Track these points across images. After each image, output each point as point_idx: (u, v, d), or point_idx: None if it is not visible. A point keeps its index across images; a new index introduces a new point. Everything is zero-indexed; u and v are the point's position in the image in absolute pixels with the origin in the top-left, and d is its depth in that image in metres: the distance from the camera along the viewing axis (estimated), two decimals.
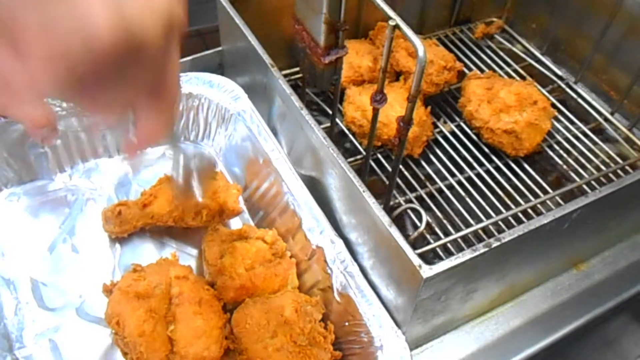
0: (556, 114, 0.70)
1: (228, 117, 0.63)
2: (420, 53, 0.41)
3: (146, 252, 0.57)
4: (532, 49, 0.82)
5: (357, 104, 0.66)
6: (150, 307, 0.47)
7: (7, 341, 0.49)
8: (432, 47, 0.74)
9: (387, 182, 0.57)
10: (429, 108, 0.67)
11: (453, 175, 0.65)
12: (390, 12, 0.43)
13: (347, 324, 0.50)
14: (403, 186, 0.63)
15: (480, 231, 0.59)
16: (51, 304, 0.52)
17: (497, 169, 0.66)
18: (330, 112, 0.68)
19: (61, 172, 0.62)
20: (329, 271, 0.51)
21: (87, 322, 0.52)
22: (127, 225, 0.55)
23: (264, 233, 0.55)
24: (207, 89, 0.63)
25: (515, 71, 0.79)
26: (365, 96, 0.66)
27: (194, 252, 0.58)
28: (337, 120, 0.67)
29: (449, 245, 0.58)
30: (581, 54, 0.76)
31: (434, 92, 0.71)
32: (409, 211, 0.60)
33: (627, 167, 0.67)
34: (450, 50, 0.81)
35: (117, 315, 0.47)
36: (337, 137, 0.68)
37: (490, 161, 0.67)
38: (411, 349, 0.46)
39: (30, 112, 0.55)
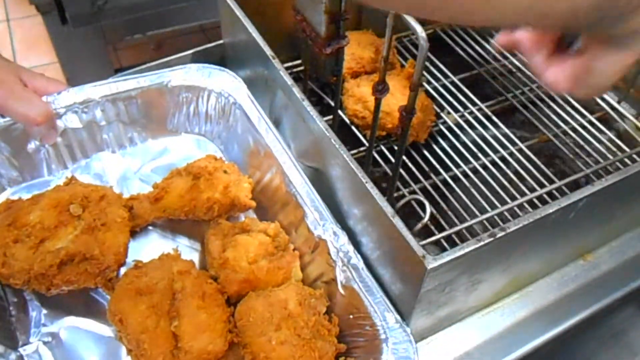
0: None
1: (228, 108, 0.63)
2: (422, 40, 0.40)
3: (148, 247, 0.57)
4: None
5: (357, 96, 0.65)
6: (153, 303, 0.47)
7: (12, 339, 0.49)
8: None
9: (391, 174, 0.57)
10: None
11: (457, 166, 0.64)
12: None
13: (351, 316, 0.49)
14: (407, 177, 0.63)
15: (485, 222, 0.58)
16: (55, 301, 0.52)
17: (502, 159, 0.65)
18: (332, 103, 0.67)
19: (64, 169, 0.62)
20: (333, 264, 0.50)
21: (92, 319, 0.51)
22: (140, 220, 0.55)
23: (266, 226, 0.54)
24: (206, 81, 0.62)
25: (520, 60, 0.77)
26: (364, 87, 0.65)
27: (196, 245, 0.58)
28: (340, 112, 0.66)
29: (453, 236, 0.57)
30: None
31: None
32: (412, 203, 0.60)
33: (634, 156, 0.66)
34: (454, 41, 0.80)
35: (120, 313, 0.47)
36: (340, 130, 0.67)
37: (495, 151, 0.66)
38: (416, 341, 0.46)
39: (26, 110, 0.55)
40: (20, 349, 0.49)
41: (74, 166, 0.62)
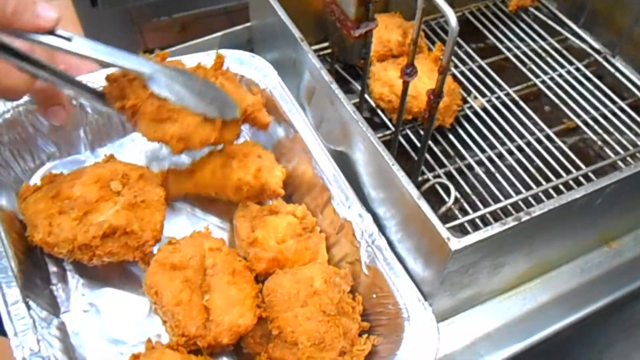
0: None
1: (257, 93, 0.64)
2: (453, 23, 0.40)
3: (180, 226, 0.59)
4: (569, 22, 0.79)
5: (383, 79, 0.66)
6: (186, 278, 0.49)
7: (53, 306, 0.52)
8: None
9: (416, 158, 0.58)
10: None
11: (483, 151, 0.64)
12: None
13: (374, 296, 0.51)
14: (432, 162, 0.63)
15: (509, 207, 0.58)
16: (94, 273, 0.54)
17: (529, 144, 0.65)
18: (358, 87, 0.68)
19: (99, 147, 0.64)
20: (357, 245, 0.52)
21: (128, 291, 0.54)
22: (173, 192, 0.57)
23: (294, 208, 0.56)
24: (237, 67, 0.63)
25: (550, 45, 0.76)
26: (391, 71, 0.65)
27: (225, 225, 0.60)
28: (366, 95, 0.66)
29: (477, 220, 0.58)
30: (620, 26, 0.73)
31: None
32: (437, 186, 0.60)
33: None
34: (483, 25, 0.79)
35: (155, 286, 0.49)
36: (366, 114, 0.68)
37: (522, 137, 0.66)
38: (438, 322, 0.47)
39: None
40: (62, 316, 0.52)
41: (110, 144, 0.64)
